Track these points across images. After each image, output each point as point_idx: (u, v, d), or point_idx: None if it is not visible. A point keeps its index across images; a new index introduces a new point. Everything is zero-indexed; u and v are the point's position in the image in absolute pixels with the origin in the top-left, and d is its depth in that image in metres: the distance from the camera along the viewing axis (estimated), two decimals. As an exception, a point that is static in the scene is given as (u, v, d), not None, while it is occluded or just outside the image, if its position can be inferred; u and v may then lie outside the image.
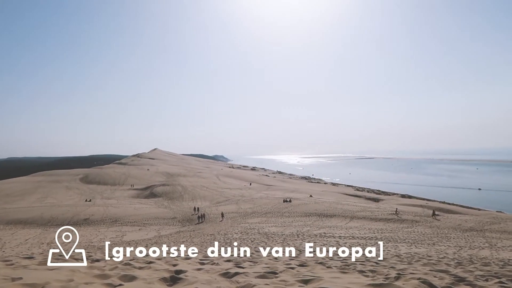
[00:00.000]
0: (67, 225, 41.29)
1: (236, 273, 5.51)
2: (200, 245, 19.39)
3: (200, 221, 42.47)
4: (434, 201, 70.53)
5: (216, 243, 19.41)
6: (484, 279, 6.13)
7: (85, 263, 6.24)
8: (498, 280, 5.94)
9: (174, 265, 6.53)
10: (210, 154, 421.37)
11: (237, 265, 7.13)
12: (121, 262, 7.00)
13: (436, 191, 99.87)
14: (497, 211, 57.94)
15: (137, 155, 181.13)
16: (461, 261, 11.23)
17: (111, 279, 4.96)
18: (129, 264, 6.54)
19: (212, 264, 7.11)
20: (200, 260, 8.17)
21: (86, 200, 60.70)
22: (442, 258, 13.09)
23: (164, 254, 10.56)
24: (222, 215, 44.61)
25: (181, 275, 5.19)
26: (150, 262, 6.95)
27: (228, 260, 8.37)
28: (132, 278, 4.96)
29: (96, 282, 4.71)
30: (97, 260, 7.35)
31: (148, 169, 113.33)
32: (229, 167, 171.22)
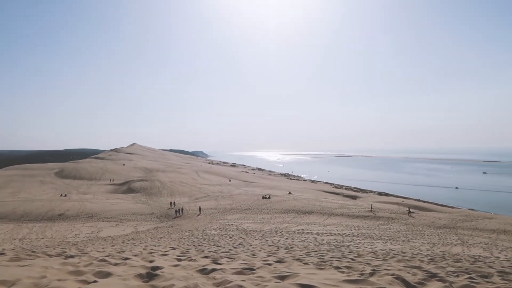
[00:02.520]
0: (41, 220, 40.34)
1: (213, 269, 5.50)
2: (178, 241, 19.24)
3: (178, 215, 42.89)
4: (410, 199, 72.19)
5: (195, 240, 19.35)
6: (455, 275, 6.31)
7: (58, 259, 6.11)
8: (468, 276, 6.13)
9: (151, 261, 6.46)
10: (190, 150, 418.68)
11: (215, 261, 7.11)
12: (96, 258, 6.87)
13: (412, 189, 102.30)
14: (469, 209, 59.84)
15: (115, 150, 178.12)
16: (434, 258, 11.52)
17: (85, 275, 4.86)
18: (105, 260, 6.42)
19: (189, 260, 7.07)
20: (177, 256, 8.11)
21: (61, 195, 59.35)
22: (416, 254, 13.40)
23: (141, 250, 10.45)
24: (200, 209, 45.19)
25: (158, 272, 5.14)
26: (126, 259, 6.85)
27: (206, 256, 8.33)
28: (107, 275, 4.87)
29: (69, 279, 4.60)
30: (71, 256, 7.19)
31: (124, 164, 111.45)
32: (209, 163, 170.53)
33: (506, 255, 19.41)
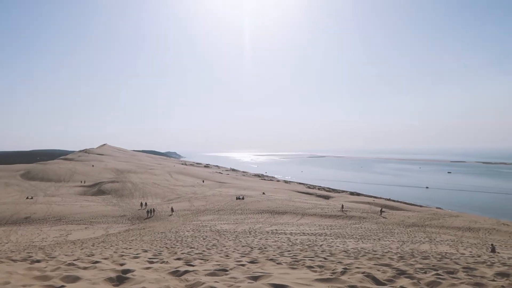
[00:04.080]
0: (5, 224, 38.79)
1: (186, 271, 5.44)
2: (150, 243, 18.93)
3: (149, 215, 42.41)
4: (380, 198, 73.83)
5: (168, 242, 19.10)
6: (423, 271, 6.51)
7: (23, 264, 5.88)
8: (435, 272, 6.34)
9: (122, 264, 6.33)
10: (162, 151, 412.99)
11: (187, 263, 7.04)
12: (64, 262, 6.67)
13: (383, 188, 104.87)
14: (436, 208, 61.88)
15: (85, 151, 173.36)
16: (403, 255, 11.84)
17: (52, 280, 4.71)
18: (73, 264, 6.24)
19: (161, 263, 6.96)
20: (149, 258, 7.97)
21: (27, 198, 57.15)
22: (386, 252, 13.73)
23: (112, 253, 10.21)
24: (172, 209, 44.83)
25: (128, 275, 5.04)
26: (96, 262, 6.68)
27: (178, 258, 8.24)
28: (75, 279, 4.74)
29: (35, 284, 4.45)
30: (38, 261, 6.95)
31: (93, 165, 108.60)
32: (182, 164, 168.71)
33: (470, 252, 20.21)
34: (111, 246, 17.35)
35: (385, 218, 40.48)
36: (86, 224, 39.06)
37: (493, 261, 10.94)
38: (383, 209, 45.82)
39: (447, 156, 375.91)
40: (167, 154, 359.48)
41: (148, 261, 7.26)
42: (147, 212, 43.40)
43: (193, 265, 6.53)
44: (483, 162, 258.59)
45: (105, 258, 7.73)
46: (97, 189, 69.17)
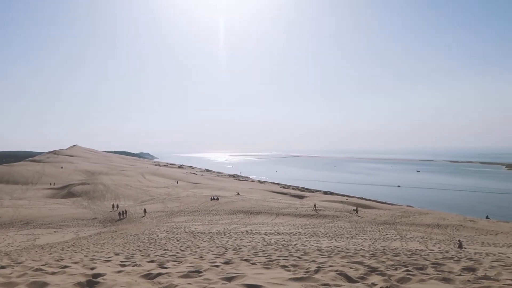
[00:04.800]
0: (-32, 229, 37.11)
1: (159, 274, 5.35)
2: (122, 246, 18.56)
3: (122, 217, 41.69)
4: (353, 197, 75.19)
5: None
6: (394, 268, 6.68)
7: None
8: (405, 268, 6.52)
9: (92, 269, 6.16)
10: (135, 152, 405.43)
11: (161, 265, 6.93)
12: (31, 268, 6.42)
13: (356, 187, 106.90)
14: (407, 206, 63.59)
15: (54, 152, 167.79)
16: (375, 253, 12.09)
17: (18, 287, 4.53)
18: (41, 270, 6.02)
19: (134, 266, 6.82)
20: (121, 262, 7.81)
21: (-8, 201, 54.89)
22: (358, 250, 13.99)
23: (82, 257, 9.94)
24: (145, 211, 44.14)
25: (99, 279, 4.90)
26: (65, 267, 6.47)
27: (151, 261, 8.10)
28: (42, 285, 4.57)
29: (0, 291, 4.28)
30: (3, 267, 6.67)
31: (62, 167, 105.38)
32: (155, 165, 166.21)
33: (439, 248, 20.88)
34: (81, 250, 16.91)
35: (360, 217, 41.21)
36: (55, 228, 37.85)
37: (460, 257, 11.36)
38: (358, 208, 46.58)
39: (417, 155, 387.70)
40: (140, 155, 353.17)
41: (120, 265, 7.10)
42: (119, 214, 42.59)
43: (166, 268, 6.43)
44: (451, 161, 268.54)
45: (75, 263, 7.51)
46: (67, 192, 67.19)
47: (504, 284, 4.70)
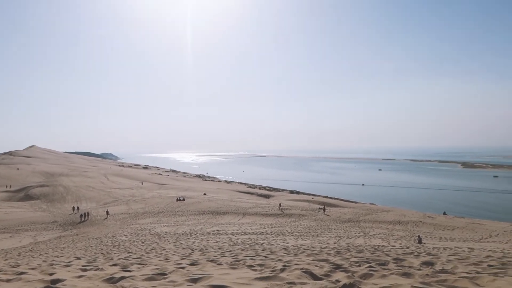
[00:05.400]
0: None
1: (122, 277, 5.21)
2: (84, 250, 17.93)
3: (83, 219, 40.30)
4: (319, 196, 76.46)
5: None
6: (357, 264, 6.86)
7: None
8: (368, 265, 6.71)
9: (51, 274, 5.90)
10: (98, 152, 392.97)
11: (124, 268, 6.74)
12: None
13: (321, 186, 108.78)
14: (370, 203, 65.46)
15: (9, 153, 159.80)
16: (339, 250, 12.34)
17: (-33, 297, 4.27)
18: (-6, 277, 5.70)
19: (96, 270, 6.59)
20: (83, 266, 7.52)
21: None
22: (324, 248, 14.24)
23: (40, 263, 9.51)
24: (107, 213, 42.95)
25: (58, 285, 4.71)
26: (22, 273, 6.16)
27: (115, 264, 7.87)
28: (-5, 293, 4.34)
29: None
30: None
31: (17, 169, 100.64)
32: (119, 165, 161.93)
33: (400, 244, 21.62)
34: (40, 255, 16.17)
35: (328, 215, 41.85)
36: (11, 233, 36.01)
37: (419, 252, 11.84)
38: (321, 207, 47.28)
39: (380, 154, 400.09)
40: (103, 156, 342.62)
41: (81, 269, 6.84)
42: (81, 216, 41.04)
43: (130, 271, 6.27)
44: (411, 160, 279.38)
45: (33, 268, 7.17)
46: (24, 194, 64.13)
47: (459, 277, 4.93)
